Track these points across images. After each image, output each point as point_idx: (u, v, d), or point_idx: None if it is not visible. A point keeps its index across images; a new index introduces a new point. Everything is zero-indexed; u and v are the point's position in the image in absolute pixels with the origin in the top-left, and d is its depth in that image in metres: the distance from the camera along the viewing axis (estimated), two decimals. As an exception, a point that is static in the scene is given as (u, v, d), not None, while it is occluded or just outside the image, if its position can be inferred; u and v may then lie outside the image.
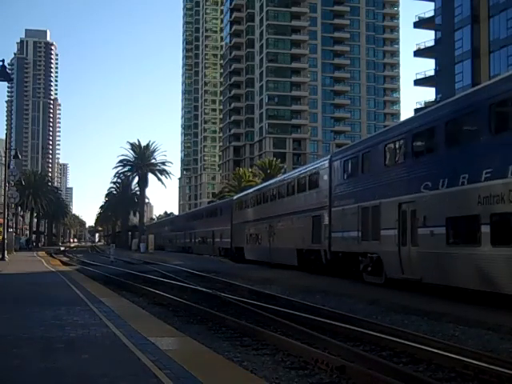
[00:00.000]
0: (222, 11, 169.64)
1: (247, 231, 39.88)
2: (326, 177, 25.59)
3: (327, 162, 25.79)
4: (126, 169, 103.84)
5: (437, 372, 8.32)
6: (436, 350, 9.01)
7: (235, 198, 47.83)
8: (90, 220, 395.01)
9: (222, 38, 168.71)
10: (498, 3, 55.82)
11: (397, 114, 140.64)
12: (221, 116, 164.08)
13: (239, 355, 9.32)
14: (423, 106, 64.55)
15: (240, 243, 42.07)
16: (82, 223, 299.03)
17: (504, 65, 52.27)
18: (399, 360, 9.04)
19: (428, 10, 69.42)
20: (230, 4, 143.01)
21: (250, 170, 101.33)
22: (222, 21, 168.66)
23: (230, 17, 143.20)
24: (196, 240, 63.06)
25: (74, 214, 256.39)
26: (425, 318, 13.28)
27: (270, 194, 35.27)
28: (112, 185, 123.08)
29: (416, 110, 58.56)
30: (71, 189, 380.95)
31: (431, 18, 67.10)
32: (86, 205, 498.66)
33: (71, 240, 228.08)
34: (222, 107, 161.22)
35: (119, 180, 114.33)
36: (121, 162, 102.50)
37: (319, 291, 19.36)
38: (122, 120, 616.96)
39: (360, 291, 19.00)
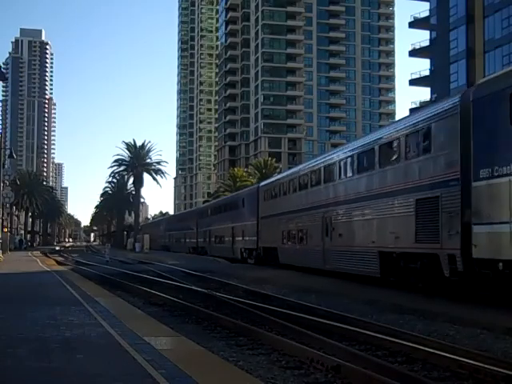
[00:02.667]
0: (217, 11, 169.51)
1: (283, 226, 31.43)
2: (454, 128, 15.57)
3: (459, 100, 15.66)
4: (121, 168, 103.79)
5: (432, 371, 8.34)
6: (431, 350, 9.02)
7: (263, 184, 38.77)
8: (85, 220, 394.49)
9: (217, 37, 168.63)
10: (492, 3, 55.91)
11: (392, 114, 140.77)
12: (216, 116, 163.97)
13: (234, 355, 9.31)
14: (418, 105, 64.62)
15: (271, 242, 33.89)
16: (77, 223, 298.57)
17: (499, 65, 52.34)
18: (394, 359, 9.05)
19: (423, 10, 69.61)
20: (226, 4, 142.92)
21: (245, 169, 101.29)
22: (217, 20, 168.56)
23: (226, 16, 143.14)
24: (211, 239, 52.66)
25: (69, 214, 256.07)
26: (420, 318, 13.30)
27: (327, 171, 25.41)
28: (107, 184, 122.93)
29: (411, 110, 58.58)
30: (66, 188, 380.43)
31: (426, 18, 67.19)
32: (82, 204, 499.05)
33: (66, 240, 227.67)
34: (217, 107, 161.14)
35: (114, 180, 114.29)
36: (116, 161, 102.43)
37: (315, 291, 19.37)
38: (118, 119, 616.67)
39: (356, 291, 19.01)
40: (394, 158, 19.36)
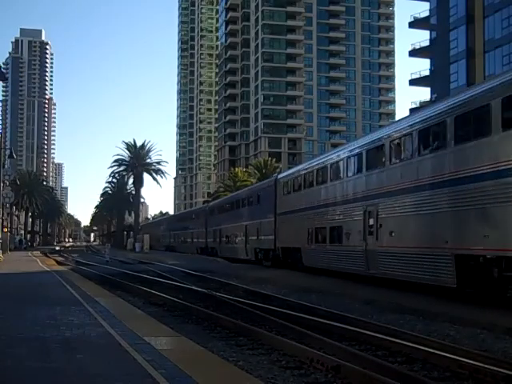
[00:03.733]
0: (217, 11, 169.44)
1: (309, 224, 27.20)
2: None
3: None
4: (121, 168, 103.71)
5: (432, 371, 8.34)
6: (431, 350, 9.03)
7: (282, 176, 34.42)
8: (85, 220, 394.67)
9: (217, 37, 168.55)
10: (493, 3, 55.91)
11: (392, 114, 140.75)
12: (216, 116, 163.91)
13: (234, 355, 9.32)
14: (418, 105, 64.61)
15: (292, 242, 30.13)
16: (77, 223, 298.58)
17: (499, 65, 52.35)
18: (394, 359, 9.06)
19: (423, 10, 69.59)
20: (226, 4, 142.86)
21: (245, 169, 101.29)
22: (217, 20, 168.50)
23: (226, 16, 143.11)
24: (222, 239, 48.69)
25: (69, 214, 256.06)
26: (420, 318, 13.31)
27: (371, 156, 21.41)
28: (107, 184, 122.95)
29: (411, 110, 58.58)
30: (66, 188, 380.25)
31: (426, 18, 67.18)
32: (81, 204, 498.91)
33: (66, 240, 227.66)
34: (217, 107, 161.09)
35: (114, 180, 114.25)
36: (116, 161, 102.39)
37: (315, 291, 19.38)
38: (118, 119, 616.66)
39: (356, 291, 19.01)
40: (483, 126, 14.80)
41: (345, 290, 19.46)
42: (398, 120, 23.31)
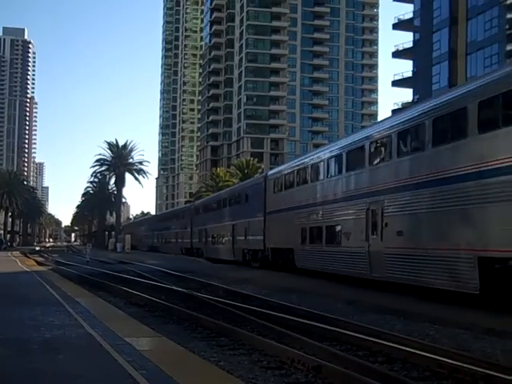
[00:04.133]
0: (202, 11, 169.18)
1: (303, 222, 25.63)
2: None
3: None
4: (103, 168, 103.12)
5: (412, 371, 8.39)
6: (411, 350, 9.08)
7: (272, 172, 33.13)
8: (66, 220, 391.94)
9: (201, 37, 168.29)
10: (476, 5, 56.32)
11: (375, 115, 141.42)
12: (199, 116, 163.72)
13: (215, 355, 9.31)
14: (400, 106, 64.96)
15: (283, 243, 28.64)
16: (58, 223, 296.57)
17: (481, 67, 52.74)
18: (375, 359, 9.09)
19: (407, 12, 70.00)
20: (211, 4, 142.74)
21: (227, 169, 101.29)
22: (202, 21, 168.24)
23: (211, 17, 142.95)
24: (208, 239, 46.75)
25: (49, 214, 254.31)
26: (401, 318, 13.38)
27: (375, 149, 19.90)
28: (89, 184, 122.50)
29: (393, 111, 58.86)
30: (47, 188, 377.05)
31: (410, 20, 67.57)
32: (62, 204, 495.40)
33: (47, 240, 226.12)
34: (200, 107, 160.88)
35: (96, 179, 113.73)
36: (98, 161, 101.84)
37: (297, 291, 19.41)
38: (100, 119, 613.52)
39: (337, 291, 19.08)
40: None
41: (326, 290, 19.55)
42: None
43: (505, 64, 32.22)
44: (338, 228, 21.93)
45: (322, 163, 24.25)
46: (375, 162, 19.71)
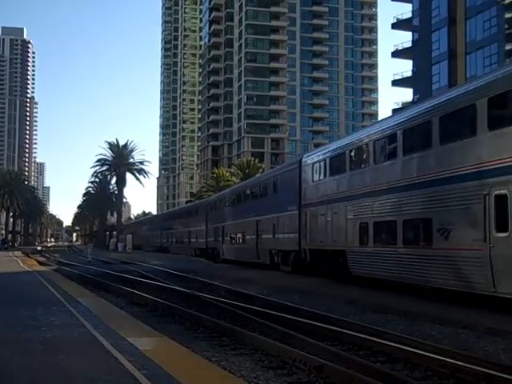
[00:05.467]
0: (201, 11, 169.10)
1: (359, 216, 20.57)
2: None
3: None
4: (103, 168, 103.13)
5: (414, 371, 8.40)
6: (413, 349, 9.08)
7: (309, 156, 26.84)
8: (67, 219, 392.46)
9: (200, 37, 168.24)
10: (474, 5, 56.36)
11: (375, 115, 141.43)
12: (199, 116, 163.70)
13: (217, 355, 9.31)
14: (401, 106, 64.98)
15: (329, 243, 23.04)
16: (60, 223, 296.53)
17: (480, 66, 52.77)
18: (376, 359, 9.10)
19: (406, 12, 70.02)
20: (209, 3, 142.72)
21: (228, 169, 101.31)
22: (201, 20, 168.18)
23: (209, 16, 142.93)
24: (225, 238, 41.61)
25: (51, 214, 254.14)
26: (402, 318, 13.38)
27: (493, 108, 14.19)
28: (90, 184, 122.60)
29: (394, 111, 58.91)
30: (48, 188, 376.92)
31: (409, 20, 67.60)
32: (64, 204, 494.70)
33: (48, 240, 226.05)
34: (200, 107, 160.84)
35: (97, 179, 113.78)
36: (99, 161, 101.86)
37: (298, 291, 19.40)
38: (101, 119, 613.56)
39: (339, 291, 19.08)
40: None
41: (326, 290, 19.51)
42: None
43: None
44: (427, 222, 16.41)
45: (397, 135, 18.26)
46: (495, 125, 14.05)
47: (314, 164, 25.31)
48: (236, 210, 39.69)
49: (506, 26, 54.39)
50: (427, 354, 8.73)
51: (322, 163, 24.45)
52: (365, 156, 20.95)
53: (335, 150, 23.54)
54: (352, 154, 21.94)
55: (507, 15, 54.60)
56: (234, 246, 39.23)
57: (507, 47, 53.35)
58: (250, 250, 34.22)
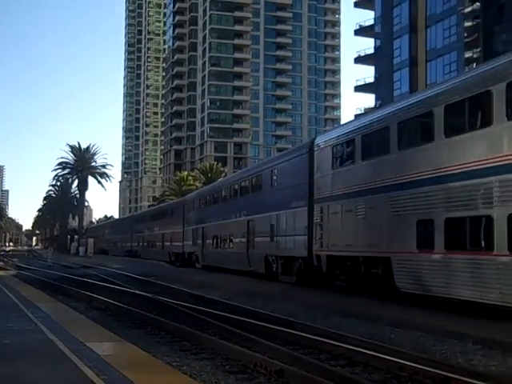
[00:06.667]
0: (165, 14, 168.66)
1: (416, 211, 15.58)
2: None
3: None
4: (65, 171, 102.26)
5: (373, 374, 8.48)
6: (372, 353, 9.16)
7: (323, 139, 21.91)
8: (26, 223, 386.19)
9: (164, 41, 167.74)
10: (435, 14, 57.34)
11: (337, 120, 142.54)
12: (162, 119, 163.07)
13: (178, 359, 9.27)
14: (363, 112, 65.65)
15: (361, 247, 18.10)
16: (19, 227, 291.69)
17: (440, 74, 53.66)
18: (336, 363, 9.16)
19: (369, 19, 70.86)
20: (174, 7, 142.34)
21: (190, 173, 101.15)
22: (165, 24, 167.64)
23: (173, 20, 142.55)
24: (205, 242, 36.78)
25: (9, 218, 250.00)
26: (363, 321, 13.48)
27: None
28: (51, 187, 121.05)
29: (356, 116, 59.52)
30: (7, 191, 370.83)
31: (371, 27, 68.45)
32: (23, 208, 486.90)
33: (7, 244, 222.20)
34: (163, 111, 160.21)
35: (58, 183, 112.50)
36: (60, 164, 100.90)
37: (260, 295, 19.39)
38: (62, 122, 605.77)
39: (302, 296, 19.13)
40: None
41: (290, 295, 19.53)
42: None
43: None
44: None
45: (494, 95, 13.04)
46: None
47: (334, 146, 20.27)
48: (220, 209, 34.56)
49: (466, 35, 55.46)
50: (386, 357, 8.82)
51: (347, 144, 19.50)
52: (431, 127, 15.23)
53: (371, 125, 18.22)
54: (403, 126, 16.53)
55: (466, 24, 55.67)
56: (218, 250, 34.20)
57: (466, 55, 54.41)
58: (239, 256, 29.21)
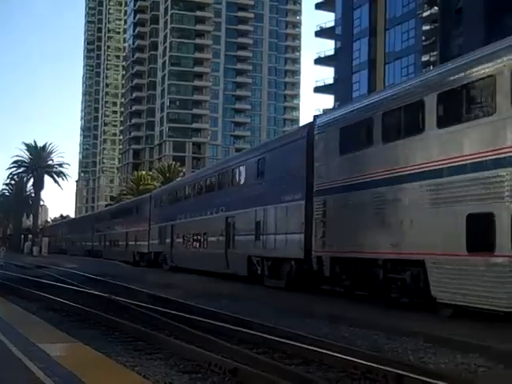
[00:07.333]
0: (125, 12, 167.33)
1: (453, 206, 12.87)
2: None
3: None
4: (20, 170, 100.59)
5: (327, 372, 8.53)
6: (327, 351, 9.22)
7: (325, 116, 21.26)
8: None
9: (125, 39, 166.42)
10: (394, 17, 58.18)
11: (296, 120, 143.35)
12: (121, 118, 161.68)
13: (132, 360, 9.19)
14: (322, 112, 66.17)
15: (379, 247, 15.30)
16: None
17: (398, 76, 54.43)
18: (291, 362, 9.19)
19: (330, 20, 71.46)
20: (134, 5, 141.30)
21: (149, 173, 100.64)
22: (125, 22, 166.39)
23: (134, 18, 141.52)
24: (175, 241, 34.36)
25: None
26: (319, 321, 13.57)
27: None
28: (4, 186, 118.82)
29: (315, 117, 59.96)
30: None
31: (332, 28, 69.08)
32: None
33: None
34: (122, 109, 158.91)
35: (13, 181, 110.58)
36: (15, 162, 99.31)
37: (221, 296, 19.27)
38: (18, 119, 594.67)
39: (262, 296, 19.13)
40: None
41: (251, 295, 19.53)
42: None
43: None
44: None
45: None
46: None
47: (344, 128, 17.33)
48: (193, 205, 31.64)
49: (423, 38, 56.41)
50: (340, 355, 8.89)
51: (362, 124, 16.66)
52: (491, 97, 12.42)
53: (395, 99, 15.27)
54: (446, 99, 13.57)
55: (424, 28, 56.61)
56: (190, 250, 31.21)
57: (424, 58, 55.34)
58: (216, 257, 26.50)
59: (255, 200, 22.94)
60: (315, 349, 9.47)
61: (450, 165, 13.02)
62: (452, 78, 13.43)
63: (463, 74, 13.07)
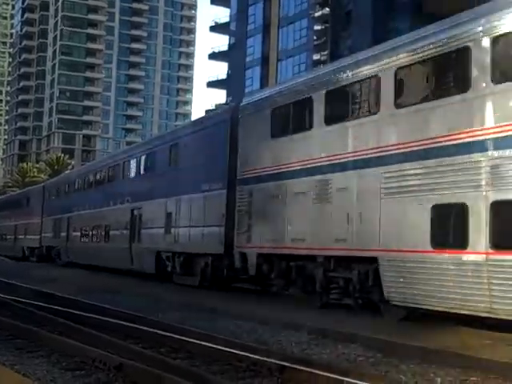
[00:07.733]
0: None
1: (417, 196, 11.12)
2: None
3: None
4: None
5: (212, 365, 8.59)
6: (212, 345, 9.29)
7: (251, 96, 19.10)
8: None
9: (12, 25, 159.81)
10: (287, 15, 59.19)
11: (188, 115, 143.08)
12: (7, 108, 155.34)
13: (12, 358, 8.87)
14: (214, 107, 66.41)
15: (307, 242, 13.90)
16: None
17: (290, 73, 55.49)
18: (177, 356, 9.20)
19: (225, 16, 71.71)
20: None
21: (36, 165, 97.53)
22: (13, 7, 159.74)
23: (23, 3, 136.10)
24: (72, 234, 32.32)
25: None
26: (205, 315, 13.64)
27: None
28: None
29: (206, 111, 60.05)
30: None
31: (226, 24, 69.32)
32: None
33: None
34: (8, 98, 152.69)
35: None
36: None
37: (106, 290, 19.04)
38: None
39: (147, 290, 19.06)
40: None
41: (139, 290, 19.40)
42: None
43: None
44: None
45: None
46: None
47: (276, 109, 15.49)
48: (93, 195, 29.53)
49: (315, 38, 57.72)
50: (226, 349, 8.97)
51: (300, 104, 14.64)
52: None
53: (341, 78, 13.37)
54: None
55: (316, 27, 57.94)
56: (89, 244, 29.33)
57: (315, 57, 56.66)
58: (118, 252, 24.59)
59: (167, 190, 21.14)
60: (200, 342, 9.52)
61: (410, 149, 11.28)
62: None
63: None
